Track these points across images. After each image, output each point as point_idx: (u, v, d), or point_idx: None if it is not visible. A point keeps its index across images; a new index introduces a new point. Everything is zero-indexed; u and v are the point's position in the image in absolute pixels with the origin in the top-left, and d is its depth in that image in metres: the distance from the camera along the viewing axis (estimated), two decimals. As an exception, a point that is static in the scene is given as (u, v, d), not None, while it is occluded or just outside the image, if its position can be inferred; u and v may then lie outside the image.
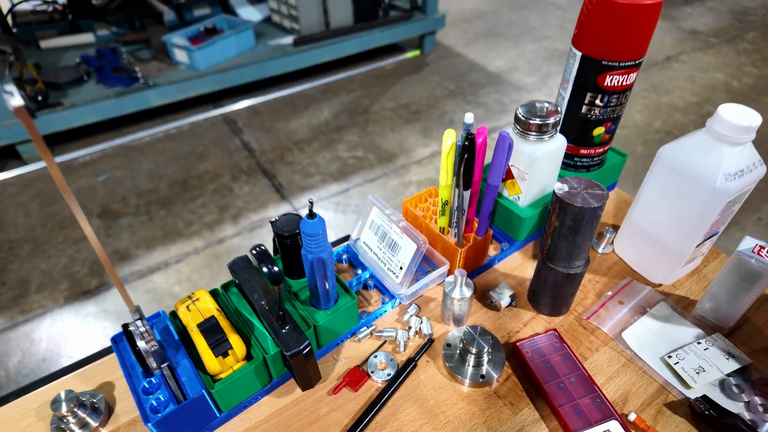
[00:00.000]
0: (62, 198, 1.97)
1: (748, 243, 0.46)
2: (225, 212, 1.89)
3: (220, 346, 0.38)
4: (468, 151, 0.45)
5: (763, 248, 0.45)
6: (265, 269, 0.33)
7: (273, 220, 0.45)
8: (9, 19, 2.41)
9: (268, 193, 1.98)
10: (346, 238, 0.59)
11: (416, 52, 2.77)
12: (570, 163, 0.62)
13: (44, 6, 2.49)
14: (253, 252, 0.34)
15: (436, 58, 2.76)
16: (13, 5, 2.42)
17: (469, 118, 0.44)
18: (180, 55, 2.23)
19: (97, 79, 2.14)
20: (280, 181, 2.03)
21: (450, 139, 0.45)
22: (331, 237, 1.99)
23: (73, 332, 1.50)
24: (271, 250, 0.51)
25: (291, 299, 0.46)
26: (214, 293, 0.46)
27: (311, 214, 0.38)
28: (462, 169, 0.46)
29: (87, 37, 2.42)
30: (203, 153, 2.16)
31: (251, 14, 2.58)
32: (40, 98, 1.96)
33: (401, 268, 0.48)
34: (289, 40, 2.42)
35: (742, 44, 2.91)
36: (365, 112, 2.40)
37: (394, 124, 2.33)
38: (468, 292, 0.48)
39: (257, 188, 1.99)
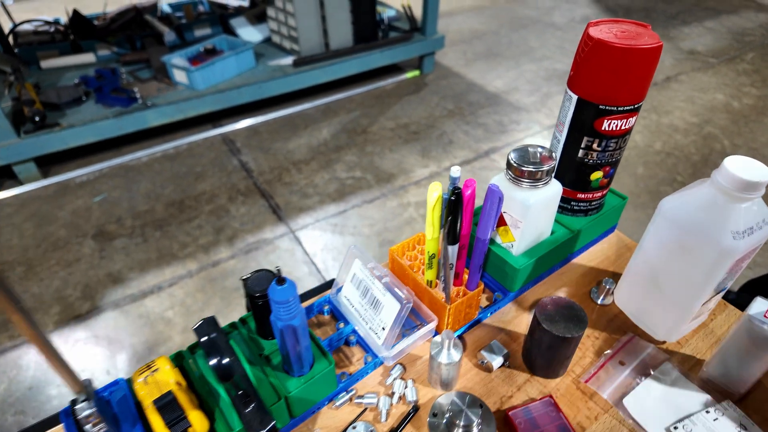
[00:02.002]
0: (57, 219, 1.95)
1: (759, 306, 0.42)
2: (221, 234, 1.86)
3: (178, 425, 0.35)
4: (454, 206, 0.42)
5: (776, 312, 0.41)
6: (212, 363, 0.29)
7: (244, 277, 0.42)
8: (10, 39, 2.42)
9: (265, 214, 1.95)
10: (330, 284, 0.56)
11: (416, 73, 2.77)
12: (567, 207, 0.59)
13: (46, 26, 2.50)
14: (202, 341, 0.31)
15: (436, 79, 2.75)
16: (15, 25, 2.43)
17: (455, 171, 0.41)
18: (179, 76, 2.23)
19: (96, 99, 2.13)
20: (277, 202, 2.01)
21: (436, 192, 0.42)
22: (328, 260, 1.95)
23: (61, 360, 1.47)
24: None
25: (262, 364, 0.42)
26: (179, 356, 0.43)
27: (280, 280, 0.35)
28: (448, 225, 0.42)
29: (88, 57, 2.43)
30: (201, 173, 2.14)
31: (252, 35, 2.58)
32: (37, 119, 1.95)
33: (383, 328, 0.44)
34: (288, 60, 2.41)
35: (741, 65, 2.89)
36: (364, 132, 2.38)
37: (393, 144, 2.31)
38: (456, 356, 0.44)
39: (254, 209, 1.97)
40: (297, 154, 2.24)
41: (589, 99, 0.49)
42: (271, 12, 2.48)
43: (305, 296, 0.56)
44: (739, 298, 1.15)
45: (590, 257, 0.62)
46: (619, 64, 0.46)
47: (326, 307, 0.53)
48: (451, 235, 0.43)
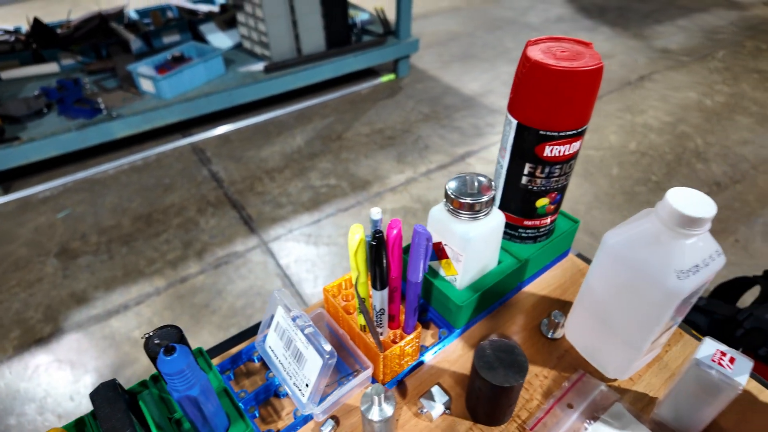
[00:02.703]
0: (18, 237, 1.88)
1: (707, 349, 0.39)
2: (189, 248, 1.81)
3: None
4: (377, 251, 0.38)
5: (725, 355, 0.39)
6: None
7: (146, 335, 0.38)
8: (-32, 49, 2.33)
9: (236, 226, 1.90)
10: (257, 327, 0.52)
11: (391, 76, 2.73)
12: (514, 234, 0.56)
13: (6, 36, 2.42)
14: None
15: (411, 82, 2.72)
16: (-27, 35, 2.35)
17: (375, 213, 0.37)
18: (146, 85, 2.17)
19: (59, 111, 2.06)
20: (249, 212, 1.96)
21: (357, 234, 0.38)
22: (302, 272, 1.91)
23: (20, 386, 1.41)
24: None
25: (172, 430, 0.38)
26: (80, 423, 0.39)
27: (168, 349, 0.31)
28: (375, 270, 0.39)
29: (51, 67, 2.35)
30: (169, 185, 2.08)
31: (222, 41, 2.53)
32: (-6, 133, 1.88)
33: (307, 385, 0.41)
34: (260, 66, 2.36)
35: (713, 62, 2.91)
36: (339, 139, 2.34)
37: (368, 150, 2.28)
38: (389, 410, 0.41)
39: (224, 221, 1.92)
40: (270, 163, 2.20)
41: (529, 124, 0.46)
42: (241, 17, 2.42)
43: (233, 341, 0.52)
44: (709, 305, 1.13)
45: (542, 285, 0.59)
46: (557, 87, 0.43)
47: (256, 354, 0.49)
48: (377, 280, 0.40)
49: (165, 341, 0.36)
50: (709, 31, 3.30)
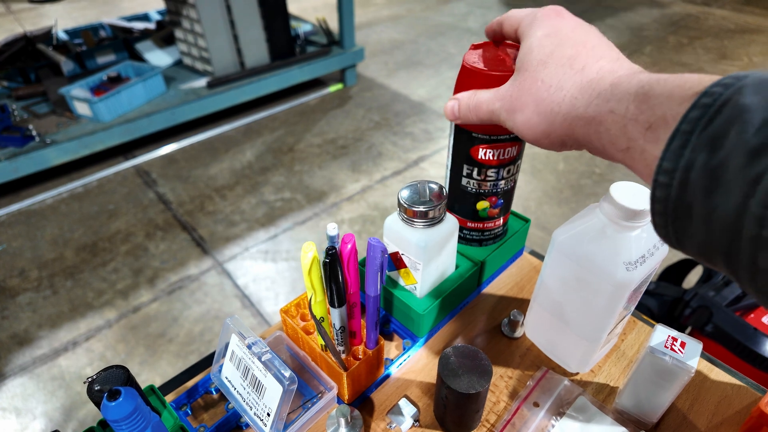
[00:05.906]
0: (-54, 280, 1.73)
1: (659, 336, 0.41)
2: (140, 275, 1.73)
3: None
4: (331, 268, 0.37)
5: (676, 341, 0.40)
6: None
7: (89, 379, 0.35)
8: None
9: (188, 248, 1.83)
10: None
11: (339, 86, 2.73)
12: (460, 236, 0.56)
13: None
14: None
15: (360, 91, 2.72)
16: None
17: (331, 229, 0.36)
18: (81, 108, 2.06)
19: (-16, 141, 1.92)
20: (200, 233, 1.89)
21: (310, 252, 0.37)
22: (261, 290, 1.85)
23: (-43, 444, 1.29)
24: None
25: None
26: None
27: (111, 394, 0.29)
28: (331, 287, 0.38)
29: (-28, 94, 2.20)
30: (114, 211, 1.98)
31: (160, 59, 2.44)
32: None
33: (269, 414, 0.39)
34: (202, 82, 2.30)
35: (641, 58, 3.08)
36: (291, 151, 2.31)
37: (321, 160, 2.26)
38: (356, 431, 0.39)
39: (175, 244, 1.84)
40: (219, 180, 2.14)
41: (464, 126, 0.47)
42: (179, 34, 2.35)
43: (188, 373, 0.49)
44: (659, 288, 1.18)
45: (500, 285, 0.59)
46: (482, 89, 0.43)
47: (213, 385, 0.47)
48: (334, 298, 0.39)
49: (108, 385, 0.34)
50: (635, 29, 3.49)
